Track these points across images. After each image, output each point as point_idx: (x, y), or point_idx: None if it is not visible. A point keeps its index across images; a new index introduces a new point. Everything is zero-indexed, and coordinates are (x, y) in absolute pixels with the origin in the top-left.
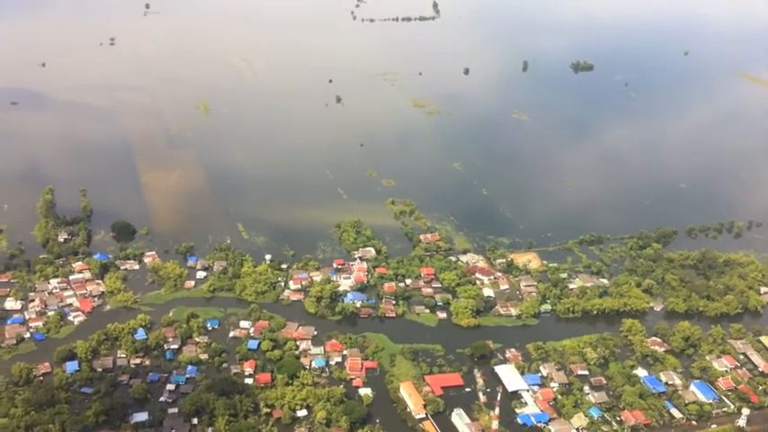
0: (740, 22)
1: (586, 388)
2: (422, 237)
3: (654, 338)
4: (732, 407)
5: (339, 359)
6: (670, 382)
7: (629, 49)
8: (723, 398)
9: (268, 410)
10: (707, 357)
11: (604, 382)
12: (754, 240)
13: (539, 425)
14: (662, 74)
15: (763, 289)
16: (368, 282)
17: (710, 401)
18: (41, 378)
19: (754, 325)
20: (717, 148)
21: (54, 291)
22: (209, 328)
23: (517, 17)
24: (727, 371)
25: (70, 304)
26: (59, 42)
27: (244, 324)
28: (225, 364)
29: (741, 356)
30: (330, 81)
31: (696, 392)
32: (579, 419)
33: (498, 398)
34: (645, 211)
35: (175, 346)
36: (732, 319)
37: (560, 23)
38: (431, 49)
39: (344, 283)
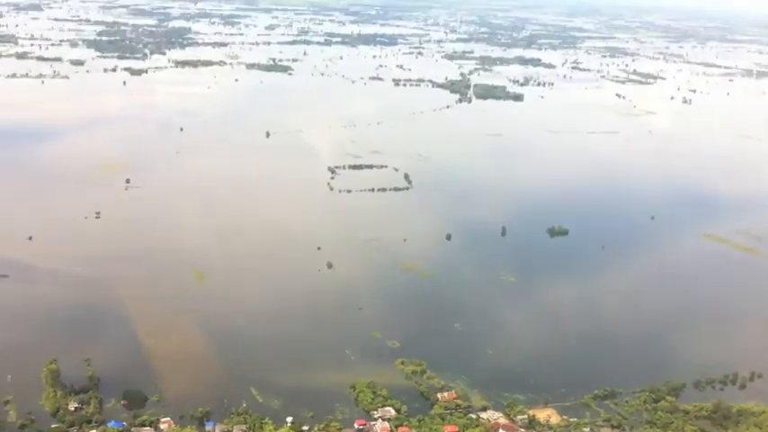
0: (702, 187)
1: None
2: (439, 395)
3: None
4: None
5: None
6: None
7: (599, 214)
8: None
9: None
10: None
11: None
12: (759, 391)
13: None
14: (633, 238)
15: None
16: None
17: None
18: None
19: None
20: (698, 304)
21: None
22: None
23: (486, 186)
24: None
25: None
26: (45, 216)
27: None
28: None
29: None
30: (318, 248)
31: None
32: None
33: None
34: (650, 362)
35: None
36: None
37: (530, 191)
38: (410, 216)
39: None
